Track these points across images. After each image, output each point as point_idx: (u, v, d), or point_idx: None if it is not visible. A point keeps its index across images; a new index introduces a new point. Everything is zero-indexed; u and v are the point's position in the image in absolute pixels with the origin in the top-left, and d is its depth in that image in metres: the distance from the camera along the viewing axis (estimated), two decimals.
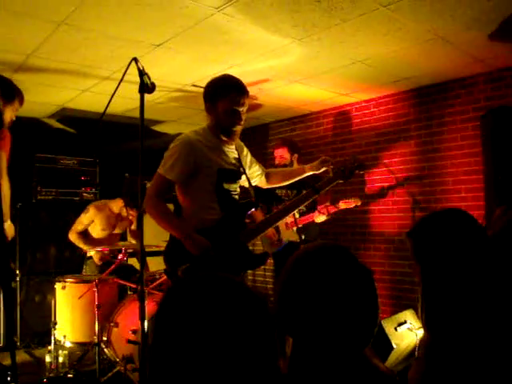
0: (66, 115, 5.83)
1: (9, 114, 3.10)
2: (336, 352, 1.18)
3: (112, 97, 2.42)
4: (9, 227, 3.11)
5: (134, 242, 5.26)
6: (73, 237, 4.93)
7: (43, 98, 5.05)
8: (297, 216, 4.32)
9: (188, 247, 2.68)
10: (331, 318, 1.18)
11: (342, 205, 4.51)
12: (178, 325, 1.02)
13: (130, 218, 4.96)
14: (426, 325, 1.60)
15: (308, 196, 3.04)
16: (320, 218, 4.50)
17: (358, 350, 1.21)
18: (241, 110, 2.84)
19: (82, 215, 4.94)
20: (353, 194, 4.80)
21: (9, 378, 2.53)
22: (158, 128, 6.66)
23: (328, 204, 4.47)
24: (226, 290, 1.06)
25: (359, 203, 4.58)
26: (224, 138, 2.92)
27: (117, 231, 5.11)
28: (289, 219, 4.39)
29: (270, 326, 1.07)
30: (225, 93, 2.82)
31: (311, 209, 4.54)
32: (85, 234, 4.98)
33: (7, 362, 3.41)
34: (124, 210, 4.88)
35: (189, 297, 1.05)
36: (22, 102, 3.33)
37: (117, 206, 4.95)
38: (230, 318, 1.01)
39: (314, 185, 3.04)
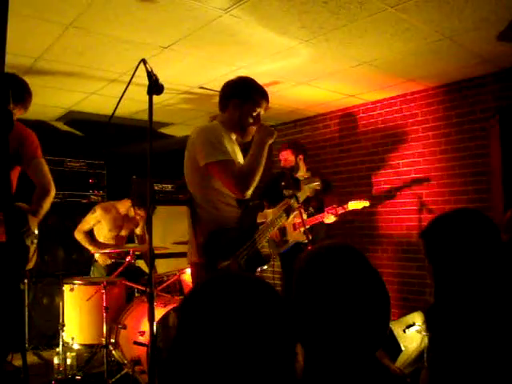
0: (74, 118, 5.85)
1: (16, 116, 3.10)
2: (348, 354, 1.17)
3: (121, 99, 2.42)
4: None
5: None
6: (79, 236, 4.94)
7: (51, 101, 5.07)
8: (305, 217, 4.31)
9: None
10: (343, 321, 1.17)
11: (351, 206, 4.50)
12: (202, 323, 1.01)
13: (138, 218, 4.97)
14: (438, 324, 1.58)
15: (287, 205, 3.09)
16: (329, 219, 4.49)
17: (371, 352, 1.20)
18: (261, 113, 2.92)
19: (89, 215, 4.96)
20: (361, 196, 4.78)
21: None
22: (164, 130, 6.67)
23: (336, 206, 4.47)
24: (250, 291, 1.05)
25: (367, 204, 4.57)
26: (233, 137, 2.94)
27: (123, 233, 5.12)
28: (296, 220, 4.39)
29: (291, 328, 1.06)
30: (255, 95, 2.87)
31: (319, 210, 4.54)
32: (91, 236, 4.99)
33: (17, 363, 3.42)
34: (131, 210, 4.89)
35: (212, 297, 1.04)
36: (30, 103, 3.33)
37: (124, 206, 4.96)
38: (254, 319, 1.00)
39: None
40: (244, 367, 0.97)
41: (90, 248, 4.89)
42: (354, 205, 4.51)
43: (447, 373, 1.44)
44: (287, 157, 4.78)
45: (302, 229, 4.39)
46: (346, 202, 4.52)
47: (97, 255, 4.92)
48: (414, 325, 4.17)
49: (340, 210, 4.46)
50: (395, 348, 3.84)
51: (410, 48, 3.78)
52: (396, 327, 3.97)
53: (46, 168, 3.08)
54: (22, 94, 3.08)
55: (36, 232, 2.92)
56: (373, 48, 3.78)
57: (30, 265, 2.94)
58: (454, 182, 4.72)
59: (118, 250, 4.65)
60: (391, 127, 5.28)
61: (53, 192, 3.07)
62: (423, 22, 3.30)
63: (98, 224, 4.96)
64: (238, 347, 0.97)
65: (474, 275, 1.50)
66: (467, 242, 1.53)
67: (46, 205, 3.02)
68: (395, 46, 3.74)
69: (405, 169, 5.13)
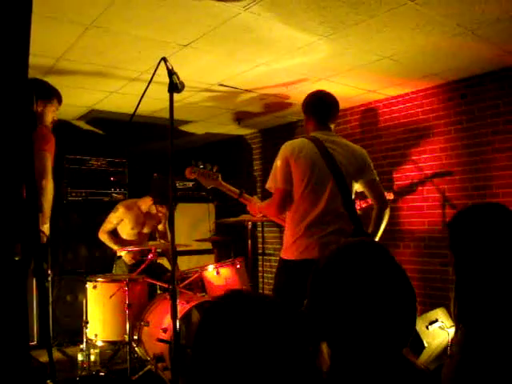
0: (95, 117, 5.91)
1: (50, 115, 3.15)
2: (375, 353, 1.16)
3: (142, 97, 2.44)
4: (47, 230, 3.17)
5: (162, 241, 5.31)
6: (103, 236, 4.98)
7: (72, 100, 5.11)
8: None
9: None
10: (369, 319, 1.15)
11: None
12: (223, 330, 1.03)
13: (160, 215, 5.00)
14: (457, 317, 1.57)
15: None
16: None
17: (397, 351, 1.19)
18: None
19: (112, 214, 4.99)
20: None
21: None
22: (185, 128, 6.70)
23: (358, 200, 4.41)
24: (258, 310, 1.07)
25: (392, 197, 4.50)
26: None
27: (145, 230, 5.16)
28: None
29: (302, 340, 1.07)
30: None
31: None
32: (115, 234, 5.03)
33: (42, 359, 3.49)
34: (153, 207, 4.92)
35: (224, 318, 1.06)
36: (60, 100, 3.38)
37: (145, 204, 5.00)
38: (266, 338, 1.02)
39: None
40: (265, 369, 0.98)
41: (115, 247, 4.93)
42: None
43: (474, 365, 1.43)
44: None
45: None
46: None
47: (123, 253, 4.96)
48: (436, 321, 4.14)
49: (363, 204, 4.39)
50: (418, 344, 3.82)
51: (431, 42, 3.74)
52: (419, 323, 3.95)
53: (47, 162, 3.09)
54: (49, 93, 3.15)
55: (43, 229, 2.95)
56: (393, 43, 3.74)
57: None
58: (476, 176, 4.66)
59: (141, 248, 4.69)
60: (413, 122, 5.23)
61: (46, 184, 3.05)
62: (444, 15, 3.26)
63: (121, 222, 5.00)
64: (258, 354, 0.98)
65: (496, 269, 1.48)
66: (492, 236, 1.51)
67: (45, 200, 3.02)
68: (416, 41, 3.70)
69: (427, 164, 5.08)
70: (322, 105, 3.24)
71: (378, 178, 3.23)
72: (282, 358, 1.01)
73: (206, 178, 3.30)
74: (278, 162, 3.09)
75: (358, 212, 4.38)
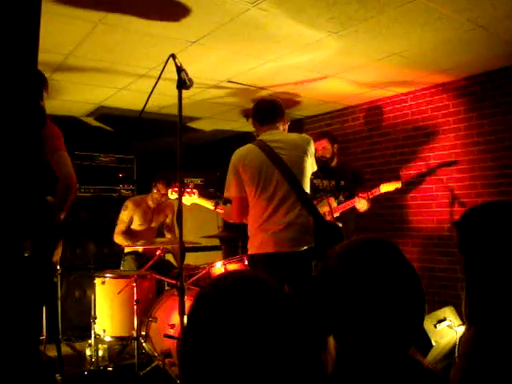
0: (103, 113, 5.91)
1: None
2: (382, 350, 1.16)
3: (151, 94, 2.44)
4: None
5: (169, 236, 5.32)
6: (118, 238, 4.99)
7: (81, 97, 5.13)
8: (334, 205, 4.27)
9: None
10: (378, 317, 1.15)
11: (383, 188, 4.40)
12: (208, 333, 1.00)
13: (160, 197, 4.99)
14: (468, 318, 1.56)
15: None
16: (360, 204, 4.35)
17: (405, 349, 1.18)
18: None
19: (122, 213, 5.01)
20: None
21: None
22: (193, 124, 6.69)
23: (364, 192, 4.39)
24: (254, 292, 1.04)
25: (400, 185, 4.45)
26: None
27: (153, 225, 5.18)
28: (325, 209, 4.33)
29: (300, 324, 1.05)
30: None
31: (350, 196, 4.45)
32: (128, 232, 5.04)
33: (51, 353, 3.51)
34: (158, 195, 4.93)
35: (217, 301, 1.03)
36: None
37: (151, 197, 5.02)
38: (261, 320, 0.99)
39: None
40: (262, 365, 0.96)
41: (129, 244, 4.92)
42: (386, 187, 4.41)
43: (484, 366, 1.42)
44: (325, 145, 4.64)
45: (331, 216, 4.35)
46: (378, 185, 4.42)
47: (140, 249, 4.97)
48: (445, 320, 4.12)
49: (371, 195, 4.36)
50: (426, 343, 3.80)
51: (440, 38, 3.71)
52: (427, 322, 3.93)
53: (69, 161, 3.09)
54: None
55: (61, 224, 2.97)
56: (403, 39, 3.72)
57: (56, 257, 2.99)
58: (486, 174, 4.63)
59: (154, 246, 4.69)
60: (422, 119, 5.20)
61: (75, 185, 3.07)
62: (455, 11, 3.23)
63: (132, 220, 5.03)
64: (253, 346, 0.96)
65: (508, 269, 1.47)
66: (502, 235, 1.50)
67: (70, 198, 3.04)
68: (426, 37, 3.68)
69: (436, 161, 5.05)
70: (261, 107, 3.38)
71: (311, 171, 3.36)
72: (285, 350, 0.99)
73: (184, 196, 3.63)
74: (229, 172, 3.27)
75: (367, 204, 4.40)
